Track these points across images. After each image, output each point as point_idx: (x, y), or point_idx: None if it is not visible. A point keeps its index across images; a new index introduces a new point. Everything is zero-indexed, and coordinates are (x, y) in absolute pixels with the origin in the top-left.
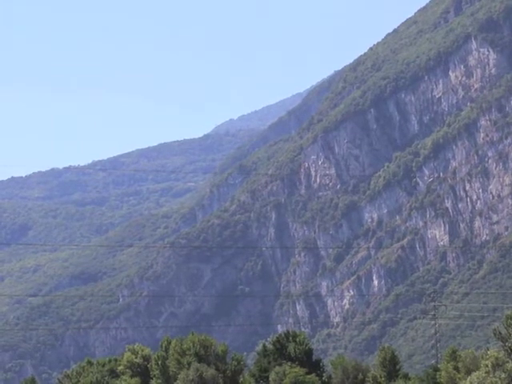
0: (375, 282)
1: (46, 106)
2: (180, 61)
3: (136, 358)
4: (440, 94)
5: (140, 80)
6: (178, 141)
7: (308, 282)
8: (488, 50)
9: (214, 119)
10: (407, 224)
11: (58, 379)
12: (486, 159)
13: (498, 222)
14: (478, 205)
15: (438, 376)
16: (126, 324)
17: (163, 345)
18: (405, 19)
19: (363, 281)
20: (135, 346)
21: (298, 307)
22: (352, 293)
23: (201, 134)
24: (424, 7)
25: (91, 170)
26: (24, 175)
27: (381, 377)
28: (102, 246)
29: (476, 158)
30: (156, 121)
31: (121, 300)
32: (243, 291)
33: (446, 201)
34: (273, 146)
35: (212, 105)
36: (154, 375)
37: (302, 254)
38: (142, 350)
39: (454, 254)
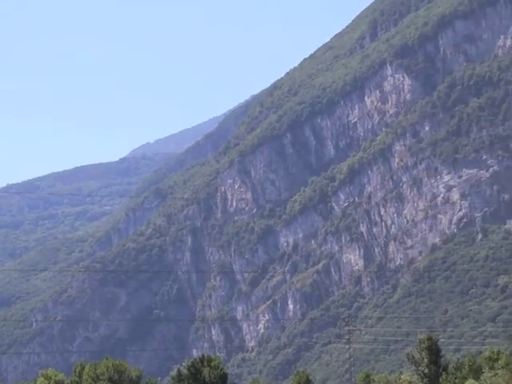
0: (290, 307)
1: None
2: (97, 83)
3: (49, 383)
4: (356, 119)
5: (56, 103)
6: (94, 164)
7: (223, 307)
8: (403, 76)
9: (131, 143)
10: (322, 248)
11: None
12: (401, 184)
13: (412, 247)
14: (393, 229)
15: None
16: (40, 349)
17: (77, 370)
18: (321, 44)
19: (278, 305)
20: (48, 371)
21: (213, 331)
22: (267, 317)
23: (117, 158)
24: (340, 33)
25: (6, 193)
26: None
27: None
28: (16, 270)
29: (391, 182)
30: (72, 144)
31: (34, 325)
32: (158, 315)
33: (361, 225)
34: (189, 170)
35: (129, 128)
36: None
37: (218, 279)
38: (55, 376)
39: (368, 279)
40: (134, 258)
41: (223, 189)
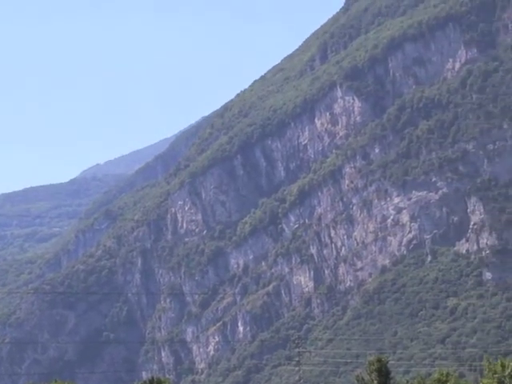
0: (240, 329)
1: None
2: (46, 104)
3: None
4: (306, 141)
5: (5, 123)
6: (43, 185)
7: (173, 328)
8: (353, 98)
9: (81, 164)
10: (273, 270)
11: None
12: (351, 206)
13: (361, 269)
14: (343, 251)
15: None
16: None
17: None
18: (271, 66)
19: (228, 327)
20: None
21: (162, 354)
22: (217, 339)
23: (67, 179)
24: (290, 55)
25: None
26: None
27: None
28: None
29: (341, 204)
30: (21, 165)
31: None
32: (108, 337)
33: (311, 247)
34: (139, 192)
35: (79, 149)
36: None
37: (168, 300)
38: None
39: (318, 301)
40: (83, 279)
41: (173, 210)
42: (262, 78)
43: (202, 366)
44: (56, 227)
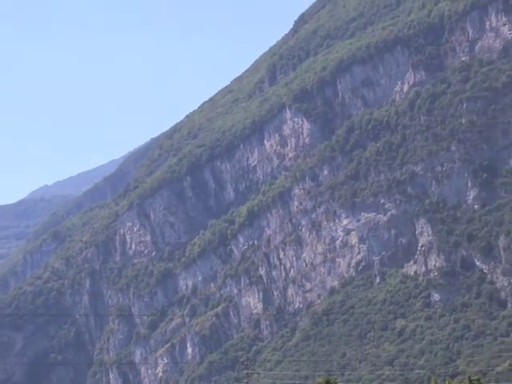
0: (189, 350)
1: None
2: None
3: None
4: (255, 163)
5: None
6: None
7: (122, 350)
8: (302, 120)
9: (29, 185)
10: (222, 291)
11: None
12: (300, 227)
13: (310, 290)
14: (292, 273)
15: None
16: None
17: None
18: (221, 88)
19: (177, 348)
20: None
21: (111, 375)
22: (166, 360)
23: (15, 200)
24: (239, 76)
25: None
26: None
27: None
28: None
29: (290, 226)
30: None
31: None
32: (55, 359)
33: (261, 268)
34: (88, 213)
35: (27, 170)
36: None
37: (116, 322)
38: None
39: (267, 322)
40: (31, 301)
41: (122, 231)
42: (211, 99)
43: None
44: (3, 248)
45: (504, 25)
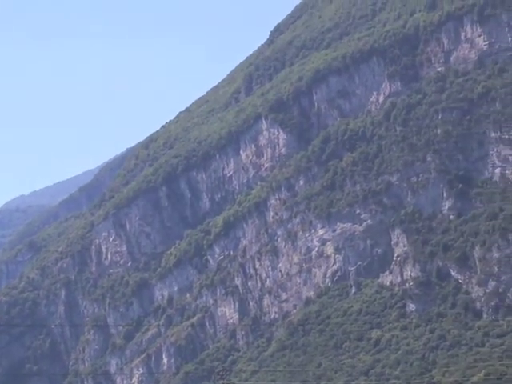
0: (165, 360)
1: None
2: None
3: None
4: (231, 173)
5: None
6: None
7: (97, 360)
8: (278, 130)
9: (5, 195)
10: (197, 302)
11: None
12: (276, 238)
13: (286, 300)
14: (268, 283)
15: None
16: None
17: None
18: (197, 98)
19: (153, 359)
20: None
21: None
22: (141, 371)
23: None
24: (215, 86)
25: None
26: None
27: None
28: None
29: (266, 236)
30: None
31: None
32: (31, 370)
33: (236, 279)
34: (63, 223)
35: (2, 181)
36: None
37: (92, 332)
38: None
39: (243, 332)
40: (6, 311)
41: (98, 242)
42: (187, 109)
43: None
44: None
45: (479, 36)
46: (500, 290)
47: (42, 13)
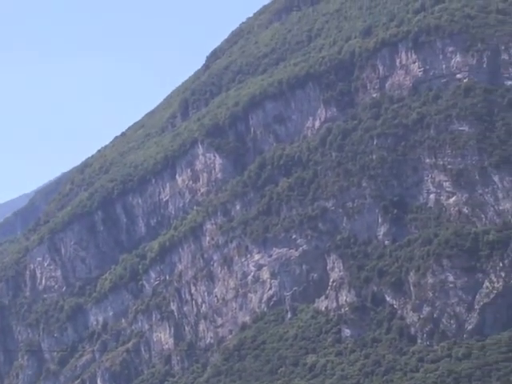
0: None
1: None
2: None
3: None
4: (167, 197)
5: None
6: None
7: None
8: (214, 155)
9: None
10: (133, 327)
11: None
12: (212, 263)
13: (222, 325)
14: (203, 308)
15: None
16: None
17: None
18: (133, 123)
19: None
20: None
21: None
22: None
23: None
24: (152, 111)
25: None
26: None
27: None
28: None
29: (202, 261)
30: None
31: None
32: None
33: (172, 304)
34: None
35: None
36: None
37: (26, 358)
38: None
39: (178, 357)
40: None
41: (32, 266)
42: (123, 134)
43: None
44: None
45: (414, 62)
46: (434, 316)
47: None
